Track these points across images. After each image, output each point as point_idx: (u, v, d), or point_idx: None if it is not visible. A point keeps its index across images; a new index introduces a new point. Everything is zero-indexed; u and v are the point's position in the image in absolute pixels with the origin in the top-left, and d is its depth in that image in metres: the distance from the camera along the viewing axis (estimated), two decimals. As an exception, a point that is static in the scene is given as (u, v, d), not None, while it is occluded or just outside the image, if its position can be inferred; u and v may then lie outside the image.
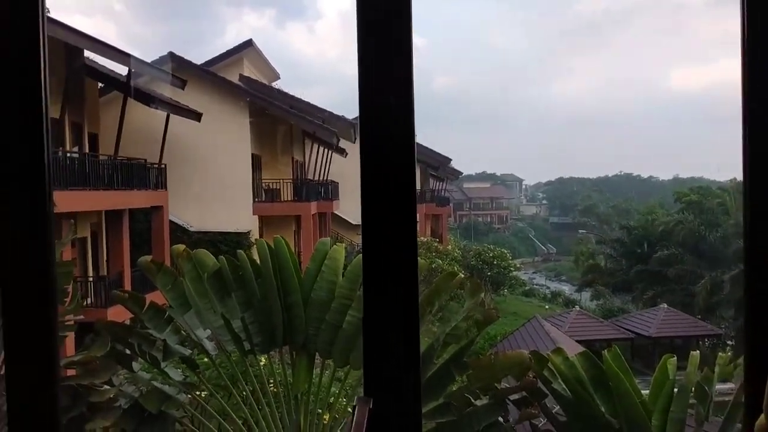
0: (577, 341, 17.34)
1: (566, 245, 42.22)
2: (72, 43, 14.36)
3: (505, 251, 31.02)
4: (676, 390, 5.48)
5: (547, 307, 29.51)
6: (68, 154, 15.58)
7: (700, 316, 23.93)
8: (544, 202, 55.05)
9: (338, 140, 24.07)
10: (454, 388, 6.12)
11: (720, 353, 6.93)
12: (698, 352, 5.88)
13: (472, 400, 5.81)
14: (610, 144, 51.48)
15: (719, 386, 5.77)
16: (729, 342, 22.58)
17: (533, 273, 40.05)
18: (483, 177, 52.90)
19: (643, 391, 5.73)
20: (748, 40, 1.83)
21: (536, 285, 36.67)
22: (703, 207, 28.33)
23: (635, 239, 30.38)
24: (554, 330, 18.41)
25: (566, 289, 35.36)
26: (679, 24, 52.38)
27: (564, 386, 5.58)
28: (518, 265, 32.94)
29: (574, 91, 54.24)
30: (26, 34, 1.83)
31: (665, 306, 22.95)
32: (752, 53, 1.82)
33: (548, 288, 36.16)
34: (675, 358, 5.70)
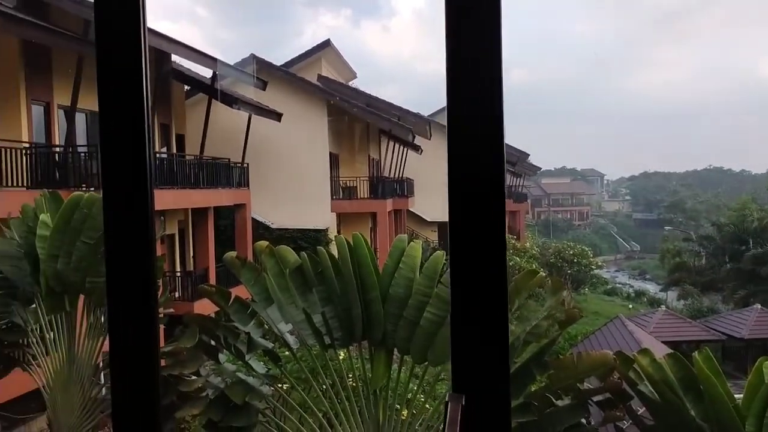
0: (663, 342, 16.70)
1: (651, 242, 40.71)
2: (161, 48, 15.00)
3: (586, 249, 30.24)
4: (773, 395, 5.20)
5: (630, 306, 28.56)
6: (157, 155, 16.29)
7: (798, 318, 22.52)
8: (627, 197, 53.25)
9: (414, 137, 24.11)
10: (534, 388, 6.04)
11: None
12: (797, 355, 5.55)
13: (554, 401, 5.72)
14: (698, 136, 49.23)
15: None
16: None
17: (616, 271, 38.86)
18: (562, 172, 51.72)
19: (735, 395, 5.47)
20: None
21: (619, 284, 35.54)
22: (803, 202, 26.66)
23: (726, 236, 28.93)
24: (638, 330, 17.79)
25: (651, 288, 34.10)
26: (772, 8, 49.31)
27: (651, 388, 5.41)
28: (600, 263, 32.05)
29: (660, 81, 52.14)
30: (130, 43, 1.94)
31: (759, 306, 21.74)
32: None
33: (632, 287, 34.98)
34: (771, 361, 5.41)
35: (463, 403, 1.55)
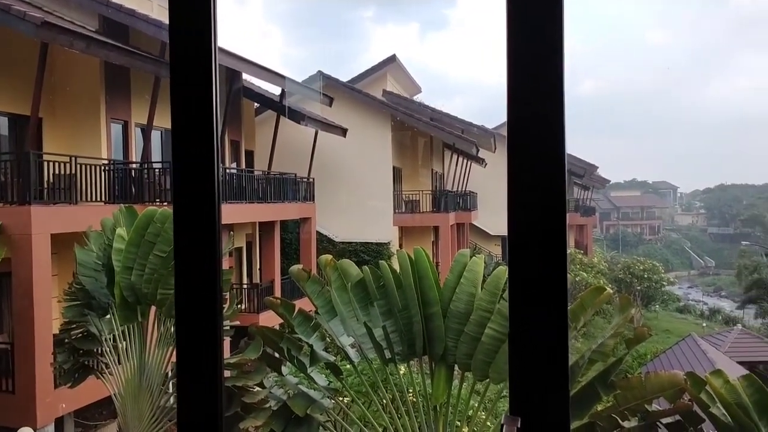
0: (738, 363, 15.92)
1: (727, 258, 38.92)
2: (232, 67, 15.50)
3: (657, 264, 29.19)
4: None
5: (704, 324, 27.35)
6: (227, 170, 16.78)
7: None
8: (702, 211, 51.10)
9: (478, 150, 23.98)
10: (600, 408, 5.88)
11: None
12: None
13: (620, 422, 5.55)
14: (778, 147, 46.83)
15: None
16: None
17: (688, 288, 37.30)
18: (633, 185, 50.17)
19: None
20: None
21: (692, 301, 34.10)
22: None
23: (809, 252, 27.39)
24: (712, 350, 17.01)
25: (726, 305, 32.56)
26: None
27: (724, 411, 5.19)
28: (672, 279, 30.83)
29: (737, 90, 49.96)
30: (201, 63, 2.04)
31: None
32: None
33: (705, 304, 33.49)
34: None
35: (519, 426, 1.54)
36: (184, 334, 2.00)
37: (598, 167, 33.16)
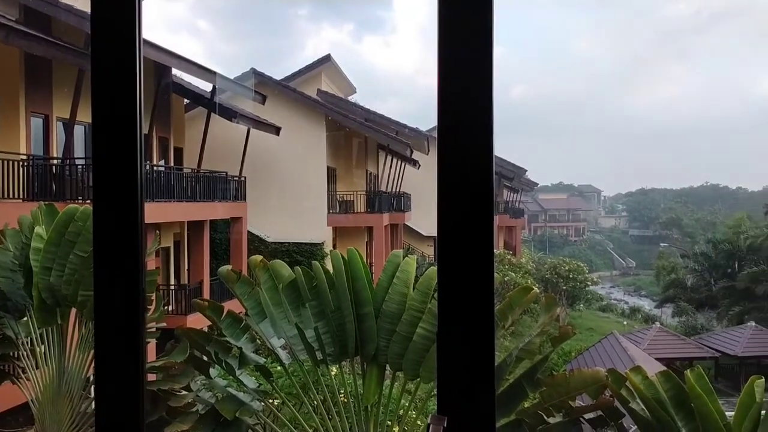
0: (657, 359, 16.68)
1: (646, 259, 40.71)
2: (160, 62, 15.07)
3: (582, 264, 30.21)
4: (763, 413, 5.21)
5: (625, 323, 28.49)
6: (155, 168, 16.31)
7: (792, 336, 22.52)
8: (624, 214, 53.27)
9: (412, 152, 24.18)
10: (526, 405, 6.03)
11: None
12: (789, 374, 5.56)
13: (545, 418, 5.71)
14: (695, 153, 49.34)
15: (813, 412, 5.44)
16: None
17: (611, 287, 38.79)
18: (560, 188, 51.78)
19: (727, 414, 5.46)
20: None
21: (614, 300, 35.50)
22: (797, 220, 26.74)
23: (721, 253, 28.97)
24: (632, 347, 17.76)
25: (646, 304, 34.04)
26: (771, 28, 49.77)
27: (643, 406, 5.40)
28: (595, 279, 31.97)
29: (657, 99, 52.35)
30: (124, 56, 1.96)
31: (753, 324, 21.74)
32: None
33: (627, 303, 34.93)
34: (763, 379, 5.42)
35: (445, 425, 1.55)
36: (104, 337, 1.93)
37: (527, 170, 34.06)
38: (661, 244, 41.06)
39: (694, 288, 29.32)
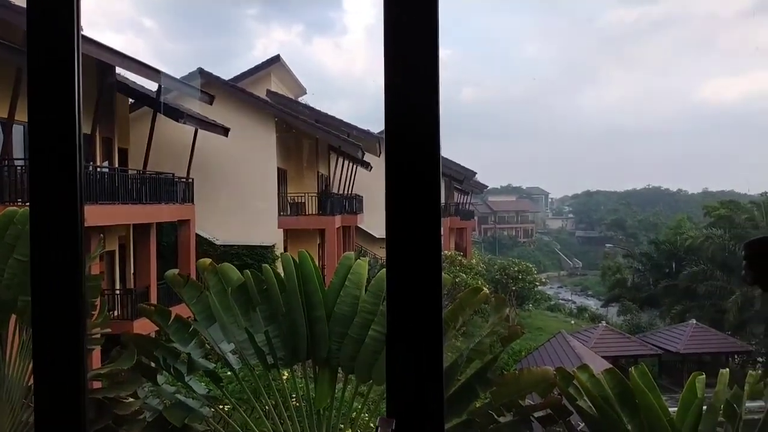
0: (603, 357, 17.09)
1: (593, 259, 41.74)
2: (104, 60, 14.66)
3: (531, 265, 30.75)
4: (704, 408, 5.39)
5: (572, 322, 29.15)
6: (98, 169, 15.85)
7: (729, 333, 23.43)
8: (571, 215, 54.54)
9: (363, 154, 24.18)
10: (477, 405, 6.08)
11: (750, 371, 6.79)
12: (727, 369, 5.77)
13: (496, 417, 5.77)
14: (638, 157, 50.89)
15: (749, 404, 5.66)
16: (759, 359, 22.07)
17: (559, 287, 39.62)
18: (508, 190, 52.63)
19: (670, 409, 5.64)
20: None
21: (562, 300, 36.26)
22: (733, 221, 27.81)
23: (663, 254, 29.93)
24: (580, 346, 18.17)
25: (592, 304, 34.90)
26: (711, 35, 51.76)
27: (589, 403, 5.52)
28: (543, 280, 32.60)
29: (603, 103, 53.80)
30: (62, 53, 1.89)
31: (694, 322, 22.53)
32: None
33: (574, 303, 35.74)
34: (704, 375, 5.61)
35: (394, 427, 1.54)
36: (43, 344, 1.85)
37: (476, 173, 34.48)
38: (606, 245, 42.18)
39: (638, 287, 30.21)
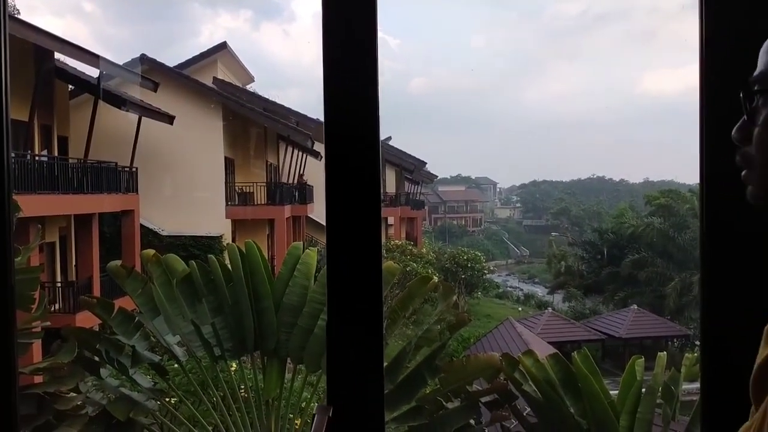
0: (549, 343, 17.51)
1: (539, 248, 42.58)
2: (41, 45, 14.12)
3: (479, 254, 31.15)
4: (643, 390, 5.57)
5: (520, 309, 29.73)
6: (37, 158, 15.30)
7: (669, 317, 24.32)
8: (518, 205, 55.47)
9: (313, 143, 24.00)
10: (426, 391, 6.15)
11: (687, 353, 7.06)
12: (665, 353, 5.98)
13: (444, 403, 5.85)
14: (583, 147, 52.09)
15: (686, 386, 5.88)
16: (696, 342, 22.97)
17: (507, 275, 40.30)
18: (458, 180, 53.12)
19: (612, 392, 5.81)
20: (705, 45, 1.87)
21: (510, 287, 36.91)
22: (673, 210, 28.79)
23: (606, 242, 30.77)
24: (527, 332, 18.56)
25: (539, 291, 35.66)
26: (654, 27, 53.23)
27: (534, 388, 5.64)
28: (492, 268, 33.11)
29: (549, 94, 54.80)
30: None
31: (635, 307, 23.28)
32: (709, 58, 1.86)
33: (521, 290, 36.43)
34: (642, 359, 5.80)
35: (331, 414, 1.54)
36: (-29, 340, 1.77)
37: (426, 163, 34.70)
38: (552, 234, 43.08)
39: (582, 274, 31.00)
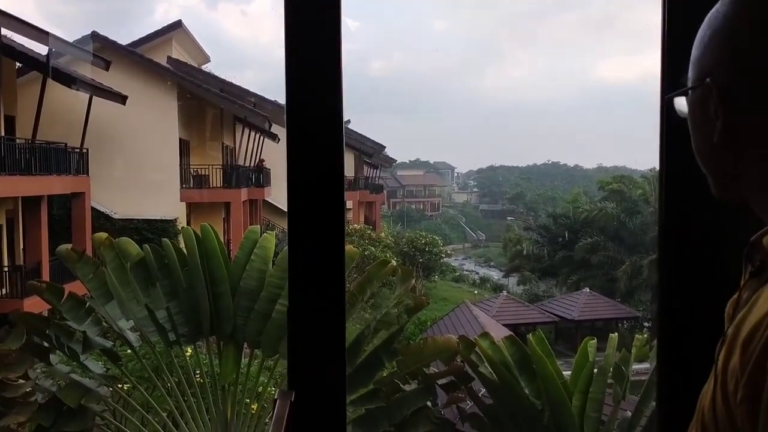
0: (504, 325, 17.80)
1: (495, 232, 43.16)
2: (-16, 20, 13.55)
3: (437, 238, 31.41)
4: (595, 371, 5.71)
5: (476, 292, 30.11)
6: (-20, 137, 14.74)
7: (620, 300, 24.98)
8: (475, 189, 56.04)
9: (270, 125, 23.69)
10: (384, 374, 6.18)
11: (637, 335, 7.26)
12: (616, 334, 6.14)
13: (402, 386, 5.89)
14: (538, 133, 52.87)
15: (636, 366, 6.05)
16: (646, 324, 23.70)
17: (463, 259, 40.77)
18: (417, 165, 53.33)
19: (565, 373, 5.94)
20: (668, 32, 1.89)
21: (466, 271, 37.34)
22: (625, 195, 29.47)
23: (560, 226, 31.36)
24: (483, 315, 18.82)
25: (495, 274, 36.17)
26: (611, 15, 54.11)
27: (490, 370, 5.73)
28: (449, 252, 33.43)
29: (507, 80, 55.33)
30: None
31: (587, 290, 23.83)
32: (671, 44, 1.88)
33: (477, 274, 36.90)
34: (595, 340, 5.94)
35: (293, 399, 1.52)
36: None
37: (386, 147, 34.68)
38: (508, 218, 43.68)
39: (537, 258, 31.54)
